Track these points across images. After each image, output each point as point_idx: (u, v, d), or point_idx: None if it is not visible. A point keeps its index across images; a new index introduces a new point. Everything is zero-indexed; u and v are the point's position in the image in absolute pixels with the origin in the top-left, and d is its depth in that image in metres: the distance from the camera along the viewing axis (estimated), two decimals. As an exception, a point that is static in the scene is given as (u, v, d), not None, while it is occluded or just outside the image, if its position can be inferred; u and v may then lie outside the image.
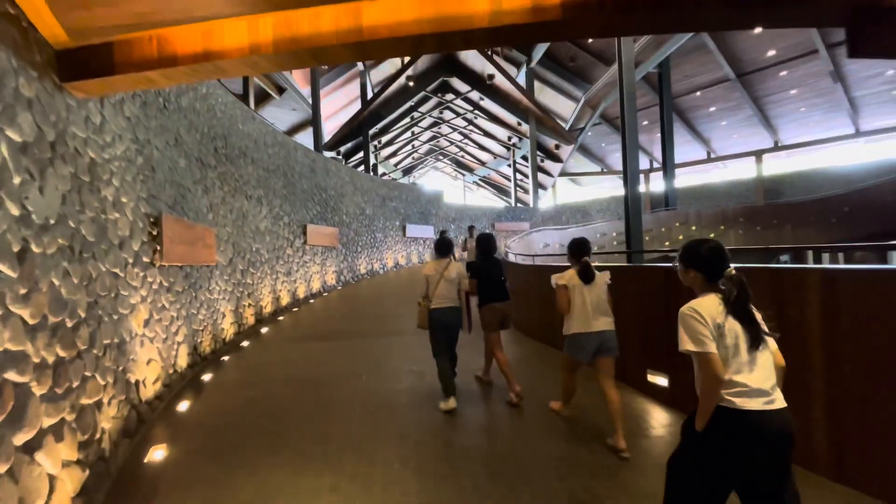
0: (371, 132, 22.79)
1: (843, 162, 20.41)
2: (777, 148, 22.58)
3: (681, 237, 17.13)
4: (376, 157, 26.03)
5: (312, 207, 11.08)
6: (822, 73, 17.88)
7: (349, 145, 22.19)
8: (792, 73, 18.35)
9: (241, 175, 7.72)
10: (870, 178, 19.08)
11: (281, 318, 8.59)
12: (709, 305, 1.59)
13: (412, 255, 17.35)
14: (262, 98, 17.74)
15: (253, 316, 7.71)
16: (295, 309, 9.42)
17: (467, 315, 4.20)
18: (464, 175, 35.06)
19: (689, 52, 18.01)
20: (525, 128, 23.27)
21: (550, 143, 23.80)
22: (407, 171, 32.90)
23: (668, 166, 18.18)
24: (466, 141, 29.32)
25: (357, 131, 21.34)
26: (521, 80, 22.40)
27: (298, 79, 19.73)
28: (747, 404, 1.49)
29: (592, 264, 3.30)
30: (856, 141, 20.58)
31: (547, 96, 23.78)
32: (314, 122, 17.03)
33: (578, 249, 3.32)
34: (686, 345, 1.56)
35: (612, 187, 31.40)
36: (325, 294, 11.04)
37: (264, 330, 7.56)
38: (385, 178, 25.52)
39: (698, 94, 20.46)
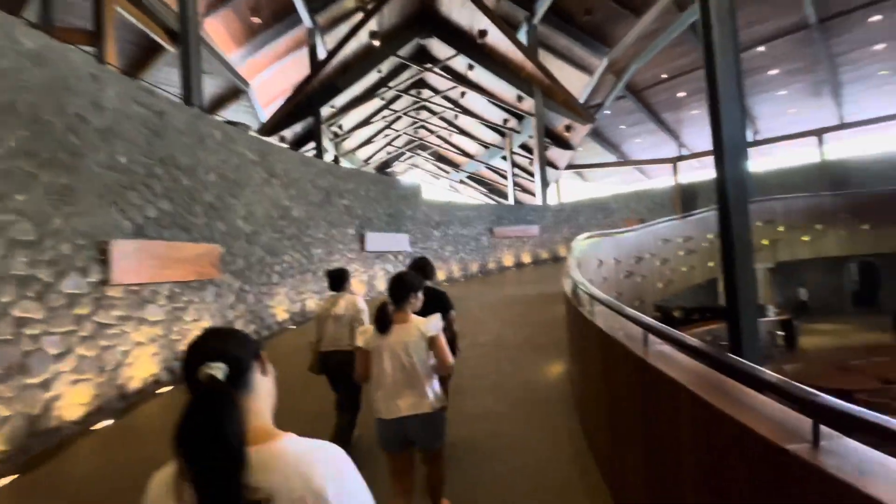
0: (327, 113, 17.27)
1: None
2: (841, 126, 17.72)
3: (765, 242, 11.95)
4: (336, 148, 20.43)
5: (146, 206, 5.51)
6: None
7: (297, 129, 16.57)
8: (889, 15, 13.42)
9: None
10: None
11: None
12: None
13: (377, 279, 11.69)
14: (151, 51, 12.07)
15: None
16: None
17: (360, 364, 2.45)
18: (447, 172, 29.67)
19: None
20: (527, 104, 17.99)
21: (559, 123, 18.56)
22: (381, 169, 27.25)
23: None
24: (452, 128, 23.93)
25: (304, 108, 15.81)
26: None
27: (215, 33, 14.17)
28: None
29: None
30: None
31: (553, 69, 18.52)
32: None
33: (397, 287, 2.31)
34: None
35: (624, 184, 26.34)
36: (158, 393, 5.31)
37: None
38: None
39: (762, 49, 15.42)
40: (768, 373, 1.39)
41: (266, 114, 16.26)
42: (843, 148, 17.98)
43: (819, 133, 18.07)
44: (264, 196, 8.33)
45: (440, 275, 14.15)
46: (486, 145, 23.53)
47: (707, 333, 11.31)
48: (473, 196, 30.31)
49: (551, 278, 9.02)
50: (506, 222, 16.59)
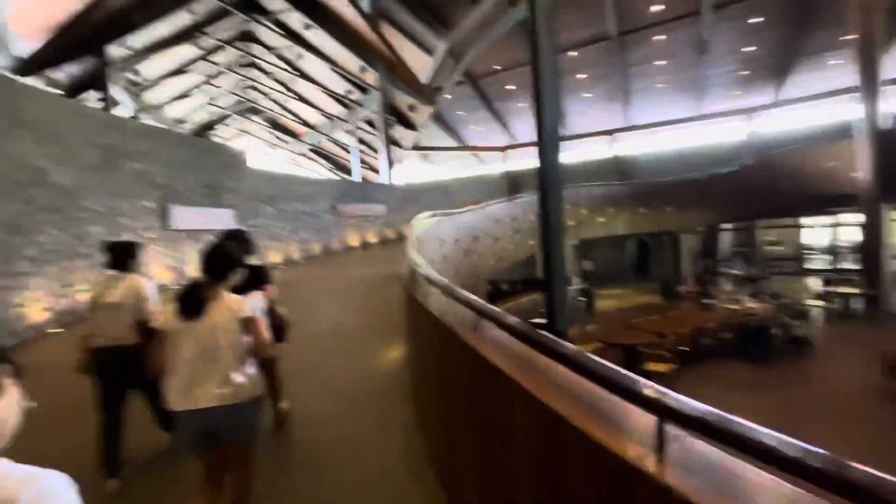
0: (120, 55, 13.73)
1: (686, 144, 20.42)
2: (629, 128, 21.74)
3: (571, 223, 13.84)
4: (136, 101, 16.58)
5: None
6: (693, 43, 16.65)
7: (75, 71, 12.71)
8: (667, 39, 16.72)
9: None
10: (718, 161, 19.07)
11: None
12: None
13: (189, 262, 9.67)
14: None
15: None
16: None
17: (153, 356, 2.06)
18: (287, 143, 27.08)
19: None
20: (370, 77, 17.31)
21: (403, 102, 18.39)
22: (201, 133, 23.25)
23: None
24: (290, 93, 21.67)
25: (85, 44, 12.26)
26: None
27: None
28: None
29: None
30: (696, 124, 20.72)
31: (396, 45, 18.07)
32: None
33: (214, 261, 2.05)
34: None
35: (464, 168, 27.94)
36: None
37: None
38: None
39: (574, 53, 17.59)
40: (608, 366, 1.28)
41: (29, 48, 12.08)
42: (630, 146, 22.10)
43: (612, 133, 21.82)
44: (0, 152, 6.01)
45: (276, 257, 12.77)
46: (329, 116, 22.03)
47: (529, 302, 12.73)
48: (318, 171, 28.37)
49: (398, 258, 8.82)
50: (351, 200, 15.82)
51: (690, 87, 18.85)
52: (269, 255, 12.58)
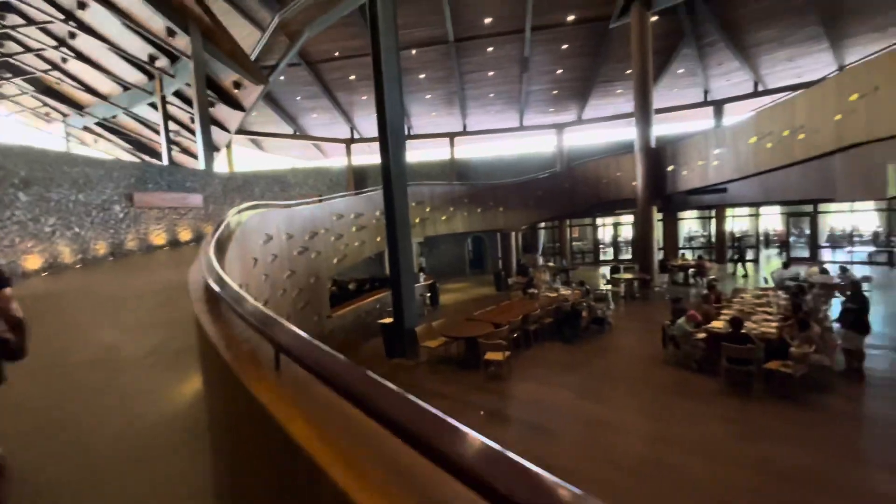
0: None
1: (512, 151, 22.80)
2: (465, 133, 23.17)
3: (416, 220, 13.98)
4: None
5: None
6: (517, 59, 18.47)
7: None
8: (497, 51, 18.17)
9: None
10: (537, 168, 21.68)
11: None
12: None
13: None
14: None
15: None
16: None
17: None
18: (66, 115, 21.17)
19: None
20: (182, 43, 14.59)
21: (226, 77, 16.02)
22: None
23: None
24: (66, 51, 16.81)
25: None
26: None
27: None
28: None
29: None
30: (518, 134, 23.23)
31: (217, 13, 15.55)
32: None
33: None
34: None
35: (305, 159, 26.09)
36: None
37: None
38: None
39: (414, 52, 17.80)
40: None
41: None
42: (466, 150, 23.56)
43: (451, 136, 22.94)
44: None
45: (34, 262, 9.67)
46: (125, 86, 17.87)
47: (376, 302, 12.39)
48: (112, 153, 22.84)
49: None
50: (154, 187, 13.02)
51: (515, 99, 20.96)
52: (23, 257, 9.48)
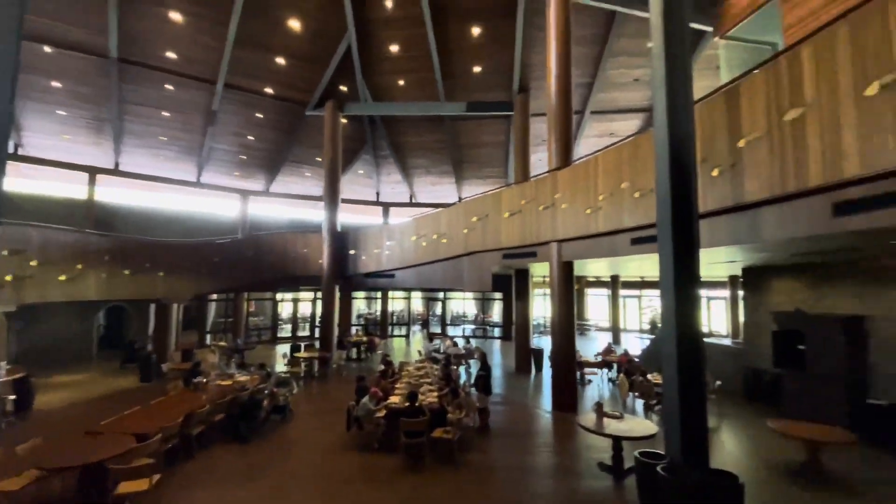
0: None
1: (185, 207, 19.64)
2: (117, 172, 18.39)
3: (8, 278, 9.32)
4: None
5: None
6: (204, 109, 16.57)
7: None
8: (179, 92, 15.71)
9: None
10: (215, 231, 19.33)
11: None
12: None
13: None
14: None
15: None
16: None
17: None
18: None
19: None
20: None
21: None
22: None
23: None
24: None
25: None
26: None
27: None
28: None
29: None
30: (195, 190, 20.40)
31: None
32: None
33: None
34: None
35: None
36: None
37: None
38: None
39: (49, 50, 13.08)
40: None
41: None
42: (115, 192, 18.40)
43: (93, 171, 17.60)
44: None
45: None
46: None
47: None
48: None
49: None
50: None
51: (195, 152, 18.47)
52: None
